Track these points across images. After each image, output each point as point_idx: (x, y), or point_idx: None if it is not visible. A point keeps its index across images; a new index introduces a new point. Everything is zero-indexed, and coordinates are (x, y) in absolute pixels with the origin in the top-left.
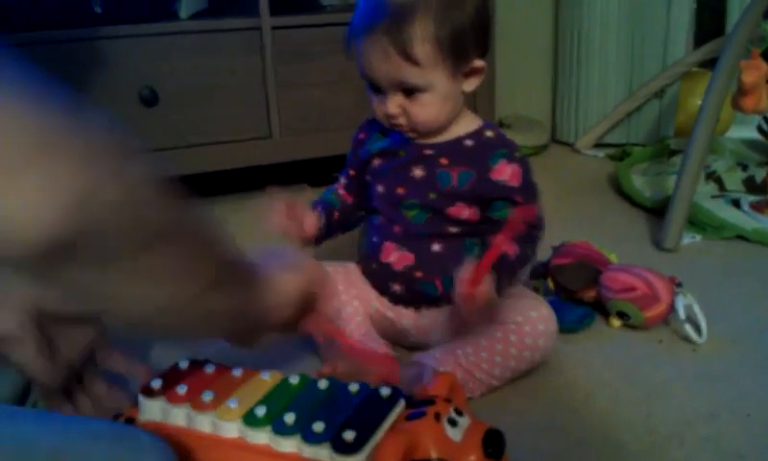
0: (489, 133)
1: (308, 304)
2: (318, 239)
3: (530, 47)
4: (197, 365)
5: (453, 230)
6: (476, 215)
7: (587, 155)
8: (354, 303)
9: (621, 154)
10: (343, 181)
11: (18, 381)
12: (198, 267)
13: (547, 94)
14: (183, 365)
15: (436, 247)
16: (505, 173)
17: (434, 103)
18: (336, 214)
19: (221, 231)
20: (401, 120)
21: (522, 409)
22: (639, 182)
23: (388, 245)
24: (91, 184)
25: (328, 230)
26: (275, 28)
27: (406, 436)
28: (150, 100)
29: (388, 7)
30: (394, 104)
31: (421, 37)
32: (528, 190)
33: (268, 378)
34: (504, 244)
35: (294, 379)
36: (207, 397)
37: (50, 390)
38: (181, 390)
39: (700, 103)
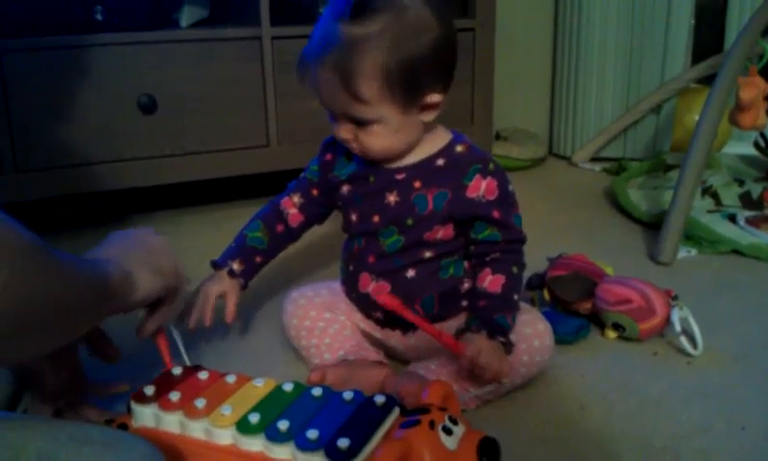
0: (459, 149)
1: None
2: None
3: (528, 60)
4: (190, 372)
5: (428, 254)
6: (450, 233)
7: (583, 168)
8: (341, 318)
9: (618, 168)
10: (297, 199)
11: (8, 388)
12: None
13: (545, 107)
14: (176, 371)
15: (411, 273)
16: (480, 188)
17: (385, 134)
18: (258, 259)
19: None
20: (354, 145)
21: (517, 419)
22: (636, 196)
23: (364, 275)
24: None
25: (252, 274)
26: (275, 38)
27: (401, 444)
28: (148, 107)
29: (339, 39)
30: (344, 130)
31: (370, 74)
32: (505, 201)
33: (261, 386)
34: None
35: (288, 387)
36: (200, 403)
37: (43, 400)
38: (174, 397)
39: (697, 119)
